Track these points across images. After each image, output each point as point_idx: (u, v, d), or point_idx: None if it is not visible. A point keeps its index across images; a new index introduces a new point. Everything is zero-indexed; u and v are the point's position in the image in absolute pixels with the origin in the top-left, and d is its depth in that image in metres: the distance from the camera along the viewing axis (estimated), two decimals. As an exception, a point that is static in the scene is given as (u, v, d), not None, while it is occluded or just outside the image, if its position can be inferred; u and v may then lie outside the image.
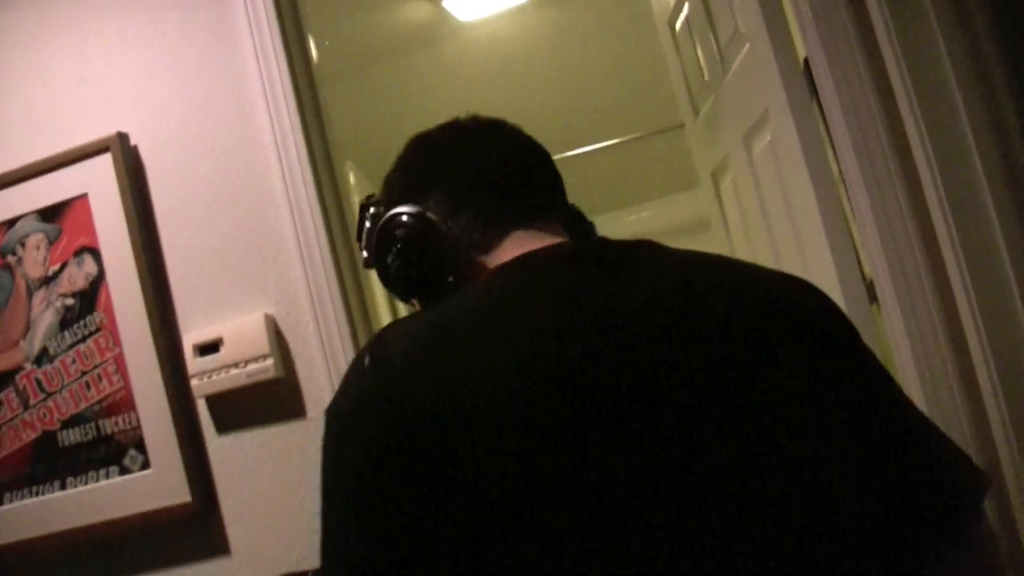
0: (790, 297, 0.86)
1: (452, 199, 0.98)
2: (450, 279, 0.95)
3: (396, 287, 0.99)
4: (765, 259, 1.94)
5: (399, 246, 0.97)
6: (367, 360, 0.80)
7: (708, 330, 0.79)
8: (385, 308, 3.57)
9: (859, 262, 1.64)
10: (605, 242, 0.94)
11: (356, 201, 3.87)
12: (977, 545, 0.88)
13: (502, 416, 0.72)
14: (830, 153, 1.56)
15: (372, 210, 1.04)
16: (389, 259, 0.98)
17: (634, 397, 0.74)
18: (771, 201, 1.78)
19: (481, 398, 0.73)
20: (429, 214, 0.96)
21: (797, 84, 1.57)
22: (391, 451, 0.73)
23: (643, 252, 0.89)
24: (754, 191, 1.84)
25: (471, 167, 1.01)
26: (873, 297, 1.54)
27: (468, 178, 1.00)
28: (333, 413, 0.81)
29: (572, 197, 1.14)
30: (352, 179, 3.46)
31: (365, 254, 1.04)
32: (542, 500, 0.70)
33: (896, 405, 0.86)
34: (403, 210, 0.97)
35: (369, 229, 1.03)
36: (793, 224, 1.72)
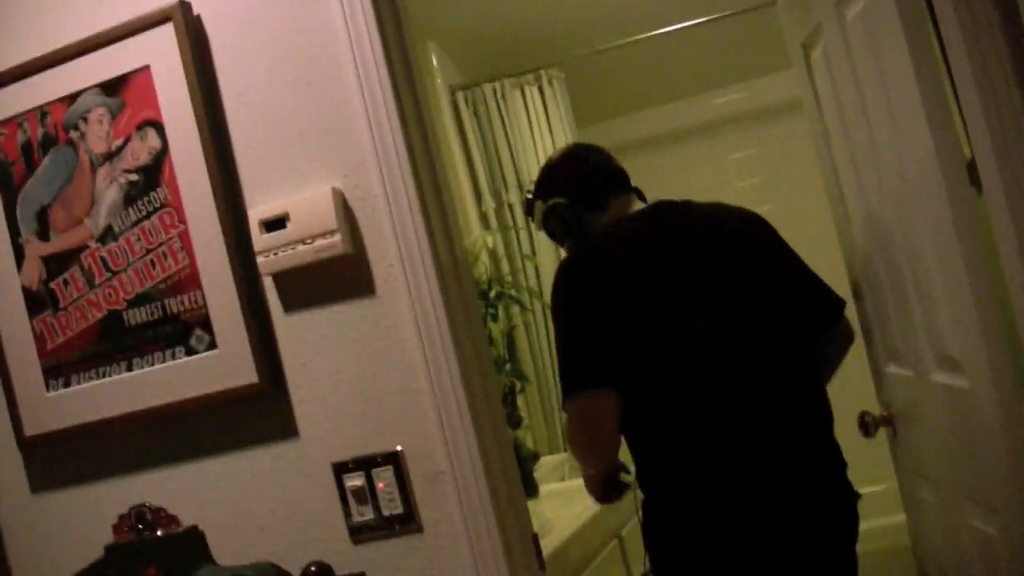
0: (749, 218, 1.96)
1: (578, 189, 2.01)
2: (583, 230, 1.99)
3: (557, 238, 2.06)
4: (860, 141, 1.85)
5: (557, 219, 2.01)
6: (575, 253, 1.94)
7: (718, 232, 1.89)
8: (467, 183, 3.50)
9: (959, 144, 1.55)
10: (664, 201, 1.97)
11: (439, 82, 3.81)
12: (844, 330, 1.99)
13: (646, 272, 1.80)
14: (930, 25, 1.46)
15: (534, 200, 2.09)
16: (552, 225, 2.02)
17: (692, 264, 1.84)
18: (864, 76, 1.68)
19: (638, 269, 1.81)
20: (566, 201, 2.02)
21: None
22: (606, 287, 1.80)
23: (682, 202, 1.96)
24: (847, 63, 1.74)
25: (582, 174, 2.05)
26: (973, 180, 1.46)
27: (581, 178, 2.03)
28: (564, 273, 1.87)
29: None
30: (435, 61, 3.40)
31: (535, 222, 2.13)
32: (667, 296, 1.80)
33: (798, 259, 1.96)
34: (557, 200, 2.01)
35: (540, 211, 2.06)
36: (888, 100, 1.63)
